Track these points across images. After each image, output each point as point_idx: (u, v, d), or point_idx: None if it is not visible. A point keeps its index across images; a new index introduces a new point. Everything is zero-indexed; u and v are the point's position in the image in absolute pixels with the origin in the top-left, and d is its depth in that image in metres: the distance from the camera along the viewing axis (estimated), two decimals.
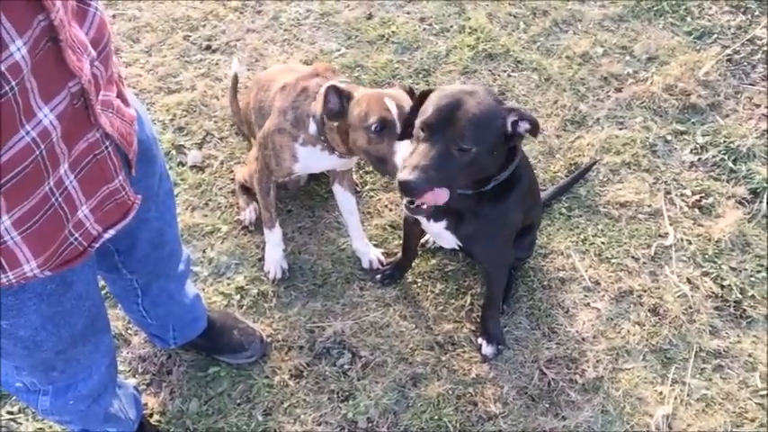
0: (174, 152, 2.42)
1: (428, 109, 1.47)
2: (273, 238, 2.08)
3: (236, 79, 2.45)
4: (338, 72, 1.91)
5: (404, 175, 1.42)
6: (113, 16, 2.88)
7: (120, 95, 1.08)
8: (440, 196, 1.47)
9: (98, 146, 0.98)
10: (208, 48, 2.79)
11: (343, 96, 1.67)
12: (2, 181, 0.82)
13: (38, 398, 1.36)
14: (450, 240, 1.80)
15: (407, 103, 1.67)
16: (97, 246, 1.08)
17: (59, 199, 0.94)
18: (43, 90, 0.82)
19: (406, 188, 1.42)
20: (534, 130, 1.49)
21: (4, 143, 0.80)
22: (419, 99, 1.56)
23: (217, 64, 2.73)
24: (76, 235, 1.03)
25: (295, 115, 1.81)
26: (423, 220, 1.77)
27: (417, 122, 1.49)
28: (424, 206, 1.50)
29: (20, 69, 0.76)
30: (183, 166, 2.39)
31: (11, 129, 0.80)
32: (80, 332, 1.22)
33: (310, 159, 1.87)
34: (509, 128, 1.48)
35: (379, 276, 2.12)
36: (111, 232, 1.10)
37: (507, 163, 1.57)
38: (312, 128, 1.80)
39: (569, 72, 2.71)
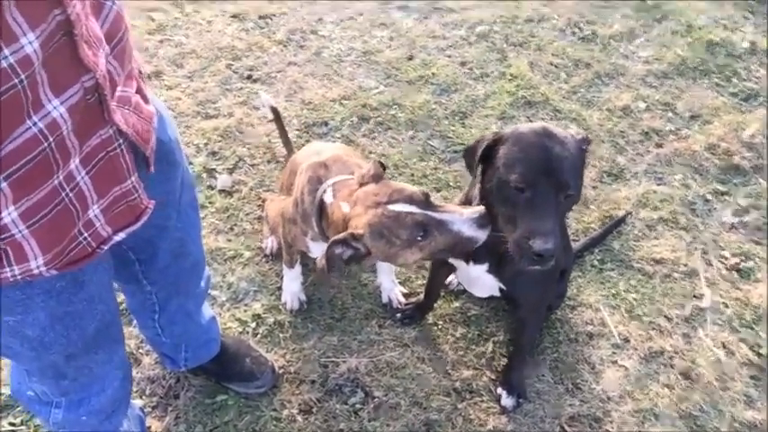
0: (204, 175, 2.42)
1: (516, 165, 1.34)
2: (292, 274, 2.04)
3: (276, 112, 2.35)
4: (349, 161, 1.69)
5: (541, 245, 1.29)
6: (161, 41, 2.96)
7: (140, 92, 1.06)
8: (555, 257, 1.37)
9: (111, 143, 0.96)
10: (249, 77, 2.83)
11: (350, 240, 1.41)
12: (7, 171, 0.80)
13: (50, 410, 1.32)
14: (489, 285, 1.70)
15: (408, 190, 1.42)
16: (106, 248, 1.05)
17: (70, 194, 0.92)
18: (54, 83, 0.80)
19: (549, 258, 1.31)
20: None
21: (9, 134, 0.78)
22: (486, 149, 1.43)
23: (256, 93, 2.76)
24: (86, 234, 1.00)
25: (303, 209, 1.66)
26: (461, 263, 1.69)
27: (511, 183, 1.33)
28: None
29: (30, 63, 0.75)
30: (213, 189, 2.39)
31: (17, 119, 0.78)
32: (91, 337, 1.18)
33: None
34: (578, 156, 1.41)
35: (399, 315, 2.06)
36: (122, 235, 1.07)
37: None
38: (316, 227, 1.62)
39: (609, 124, 2.67)
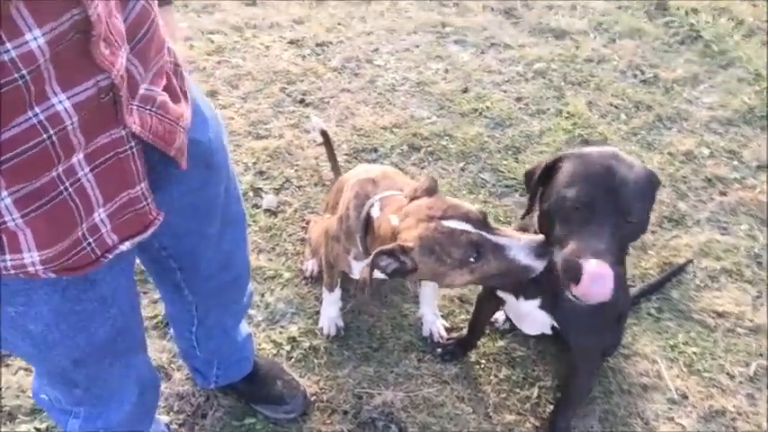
0: (251, 194, 2.40)
1: (575, 181, 1.24)
2: (331, 298, 1.97)
3: (326, 135, 2.32)
4: (397, 178, 1.64)
5: (594, 267, 1.17)
6: (218, 62, 3.00)
7: (170, 89, 1.00)
8: (611, 282, 1.21)
9: (122, 144, 0.90)
10: (302, 101, 2.82)
11: (397, 253, 1.32)
12: (2, 158, 0.75)
13: (68, 420, 1.27)
14: (540, 321, 1.58)
15: (465, 207, 1.35)
16: (111, 257, 0.98)
17: (70, 189, 0.86)
18: (63, 78, 0.76)
19: (607, 281, 1.18)
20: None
21: (7, 123, 0.73)
22: (544, 171, 1.35)
23: (308, 117, 2.75)
24: (90, 240, 0.94)
25: (347, 225, 1.60)
26: (510, 298, 1.59)
27: (568, 201, 1.24)
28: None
29: (34, 59, 0.70)
30: (258, 208, 2.36)
31: (16, 111, 0.73)
32: (101, 343, 1.11)
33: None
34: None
35: (439, 350, 1.96)
36: (128, 245, 1.00)
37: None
38: (360, 245, 1.56)
39: (670, 168, 2.55)
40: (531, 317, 1.59)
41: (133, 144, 0.91)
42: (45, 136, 0.77)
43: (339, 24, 3.25)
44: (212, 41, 3.12)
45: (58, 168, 0.83)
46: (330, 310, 1.99)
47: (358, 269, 1.66)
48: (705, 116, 2.80)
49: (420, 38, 3.17)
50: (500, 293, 1.63)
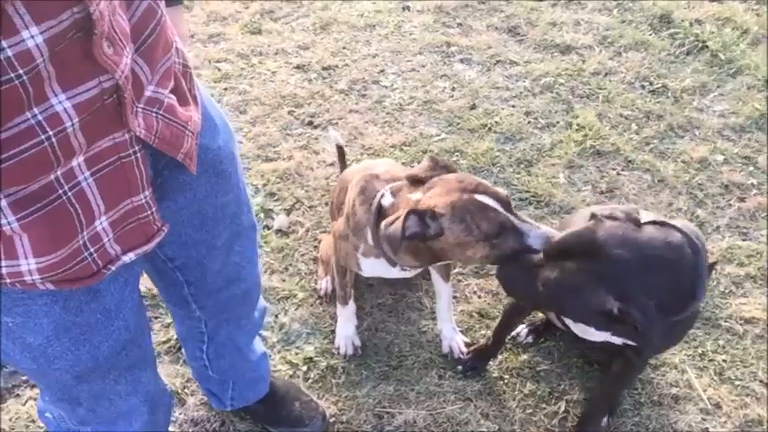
0: (262, 215, 2.37)
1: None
2: (346, 313, 1.93)
3: (341, 151, 2.30)
4: (400, 172, 1.65)
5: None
6: (225, 89, 3.00)
7: (178, 91, 0.96)
8: None
9: (125, 148, 0.86)
10: (310, 123, 2.81)
11: (427, 216, 1.37)
12: None
13: None
14: (603, 335, 1.49)
15: (493, 188, 1.41)
16: (113, 268, 0.93)
17: (69, 193, 0.82)
18: (63, 78, 0.73)
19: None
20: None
21: (4, 123, 0.70)
22: None
23: (316, 139, 2.73)
24: (92, 250, 0.89)
25: (355, 221, 1.61)
26: (579, 326, 1.52)
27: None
28: None
29: (32, 58, 0.67)
30: (269, 229, 2.33)
31: (13, 112, 0.70)
32: (105, 358, 1.06)
33: (374, 269, 1.69)
34: (612, 312, 1.22)
35: (461, 368, 1.89)
36: (132, 256, 0.95)
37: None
38: (369, 238, 1.58)
39: (686, 176, 2.51)
40: (592, 330, 1.50)
41: (137, 149, 0.87)
42: (43, 137, 0.74)
43: (344, 48, 3.26)
44: (219, 69, 3.13)
45: (57, 171, 0.79)
46: (346, 327, 1.94)
47: (367, 266, 1.67)
48: (717, 124, 2.77)
49: (425, 58, 3.17)
50: (567, 322, 1.55)
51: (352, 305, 1.92)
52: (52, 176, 0.79)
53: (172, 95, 0.94)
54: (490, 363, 1.90)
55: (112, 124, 0.82)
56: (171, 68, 0.94)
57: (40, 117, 0.72)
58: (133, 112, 0.84)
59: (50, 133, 0.74)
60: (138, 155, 0.88)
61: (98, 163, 0.84)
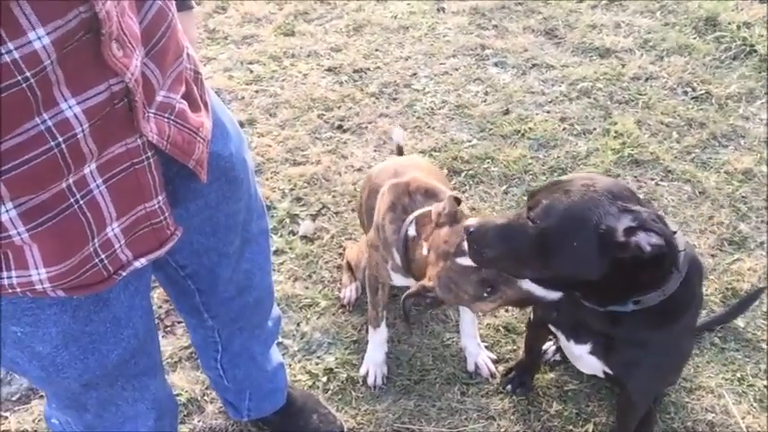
0: (287, 220, 2.35)
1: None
2: (377, 338, 1.86)
3: (400, 151, 2.23)
4: (430, 186, 1.61)
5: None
6: (256, 91, 2.99)
7: (190, 97, 0.95)
8: None
9: (138, 154, 0.84)
10: (339, 127, 2.78)
11: (422, 294, 1.41)
12: (6, 167, 0.70)
13: None
14: (593, 366, 1.50)
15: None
16: (125, 274, 0.92)
17: (81, 201, 0.81)
18: (72, 82, 0.71)
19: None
20: (665, 249, 1.11)
21: (10, 131, 0.68)
22: None
23: (345, 143, 2.70)
24: (103, 256, 0.88)
25: (384, 237, 1.60)
26: (561, 337, 1.50)
27: None
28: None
29: (39, 60, 0.65)
30: (294, 235, 2.30)
31: (21, 117, 0.68)
32: (114, 366, 1.05)
33: (404, 282, 1.65)
34: (616, 234, 1.12)
35: (509, 387, 1.82)
36: (143, 261, 0.94)
37: (652, 283, 1.23)
38: (398, 258, 1.57)
39: (728, 188, 2.40)
40: (584, 361, 1.48)
41: (150, 154, 0.86)
42: (53, 144, 0.72)
43: (376, 51, 3.22)
44: (251, 71, 3.12)
45: (69, 179, 0.78)
46: (376, 354, 1.87)
47: (397, 279, 1.66)
48: (763, 133, 2.64)
49: (459, 61, 3.11)
50: (552, 328, 1.52)
51: (383, 330, 1.85)
52: (64, 185, 0.78)
53: (183, 101, 0.93)
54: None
55: (124, 130, 0.81)
56: (182, 74, 0.93)
57: (49, 123, 0.71)
58: (145, 116, 0.83)
59: (60, 139, 0.73)
60: (151, 160, 0.87)
61: (110, 170, 0.83)
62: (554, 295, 1.29)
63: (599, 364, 1.46)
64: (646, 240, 1.10)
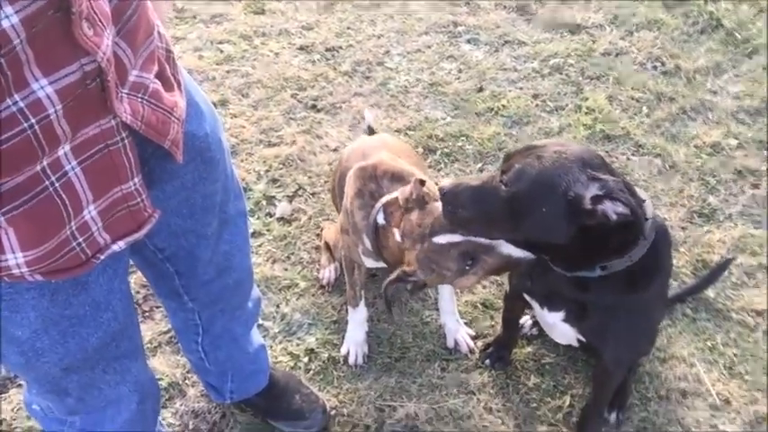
0: (264, 202, 2.33)
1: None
2: (357, 317, 1.87)
3: (371, 132, 2.21)
4: (396, 169, 1.60)
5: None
6: (228, 71, 2.94)
7: (162, 77, 0.94)
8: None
9: (112, 135, 0.83)
10: (313, 107, 2.76)
11: (404, 276, 1.40)
12: None
13: (63, 429, 1.20)
14: (567, 334, 1.53)
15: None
16: (103, 258, 0.91)
17: (56, 184, 0.80)
18: (43, 61, 0.70)
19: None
20: (632, 218, 1.14)
21: None
22: None
23: (320, 123, 2.68)
24: (80, 240, 0.87)
25: (353, 222, 1.59)
26: (536, 306, 1.53)
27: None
28: None
29: (8, 39, 0.64)
30: (271, 216, 2.29)
31: None
32: (94, 350, 1.05)
33: (377, 265, 1.65)
34: (583, 201, 1.14)
35: (488, 361, 1.85)
36: (121, 244, 0.94)
37: (619, 249, 1.26)
38: (368, 244, 1.55)
39: (697, 161, 2.45)
40: (558, 329, 1.51)
41: (124, 135, 0.85)
42: (26, 125, 0.71)
43: (348, 29, 3.18)
44: (221, 51, 3.07)
45: (43, 162, 0.76)
46: (356, 333, 1.88)
47: (369, 263, 1.66)
48: (731, 106, 2.69)
49: (432, 38, 3.10)
50: (527, 298, 1.55)
51: (363, 309, 1.86)
52: (38, 167, 0.77)
53: (156, 80, 0.92)
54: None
55: (97, 110, 0.80)
56: (154, 53, 0.92)
57: (21, 104, 0.70)
58: (118, 97, 0.82)
59: (33, 121, 0.72)
60: (126, 141, 0.86)
61: (85, 151, 0.82)
62: (532, 255, 1.31)
63: (572, 332, 1.49)
64: (612, 209, 1.13)
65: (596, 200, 1.14)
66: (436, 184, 1.52)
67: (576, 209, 1.15)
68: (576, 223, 1.17)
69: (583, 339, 1.51)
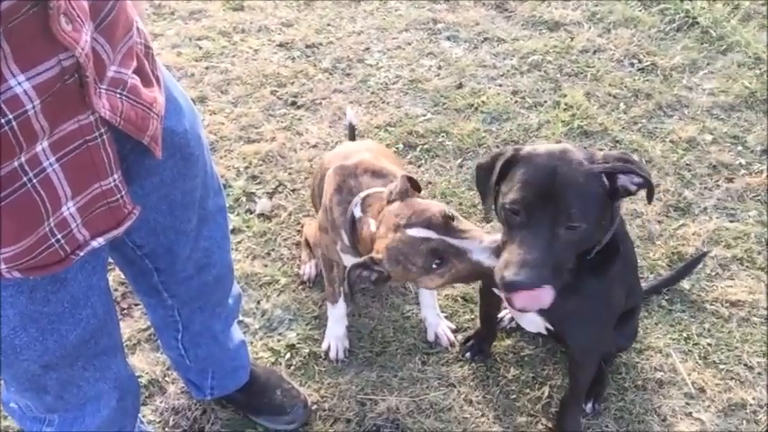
0: (244, 199, 2.33)
1: (518, 185, 1.21)
2: (337, 313, 1.88)
3: (352, 130, 2.24)
4: (377, 167, 1.60)
5: (510, 275, 1.16)
6: (207, 68, 2.93)
7: (141, 72, 0.94)
8: (544, 297, 1.23)
9: (90, 131, 0.83)
10: (293, 104, 2.76)
11: (370, 263, 1.36)
12: None
13: (41, 428, 1.19)
14: (536, 323, 1.55)
15: (428, 212, 1.33)
16: (82, 254, 0.91)
17: (34, 180, 0.79)
18: (20, 57, 0.69)
19: (513, 288, 1.19)
20: (646, 184, 1.23)
21: None
22: (503, 167, 1.27)
23: (300, 119, 2.68)
24: (59, 236, 0.87)
25: (332, 218, 1.58)
26: (504, 296, 1.55)
27: (506, 204, 1.22)
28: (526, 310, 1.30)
29: None
30: (251, 213, 2.29)
31: None
32: (73, 346, 1.04)
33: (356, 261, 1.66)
34: (607, 184, 1.22)
35: (468, 354, 1.86)
36: (101, 241, 0.93)
37: (610, 224, 1.33)
38: (346, 239, 1.55)
39: (673, 156, 2.48)
40: (527, 318, 1.54)
41: (103, 131, 0.85)
42: (3, 121, 0.71)
43: (328, 26, 3.19)
44: (200, 47, 3.05)
45: (21, 158, 0.76)
46: (336, 328, 1.88)
47: (347, 260, 1.63)
48: (706, 102, 2.73)
49: (411, 35, 3.11)
50: (497, 291, 1.57)
51: (342, 305, 1.86)
52: (16, 163, 0.76)
53: (135, 76, 0.92)
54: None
55: (76, 106, 0.80)
56: (133, 48, 0.92)
57: None
58: (96, 92, 0.82)
59: (11, 117, 0.71)
60: (105, 137, 0.86)
61: (63, 147, 0.81)
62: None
63: (540, 320, 1.52)
64: (629, 180, 1.21)
65: (612, 178, 1.21)
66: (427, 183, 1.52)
67: (612, 194, 1.22)
68: (608, 208, 1.24)
69: (551, 327, 1.54)
